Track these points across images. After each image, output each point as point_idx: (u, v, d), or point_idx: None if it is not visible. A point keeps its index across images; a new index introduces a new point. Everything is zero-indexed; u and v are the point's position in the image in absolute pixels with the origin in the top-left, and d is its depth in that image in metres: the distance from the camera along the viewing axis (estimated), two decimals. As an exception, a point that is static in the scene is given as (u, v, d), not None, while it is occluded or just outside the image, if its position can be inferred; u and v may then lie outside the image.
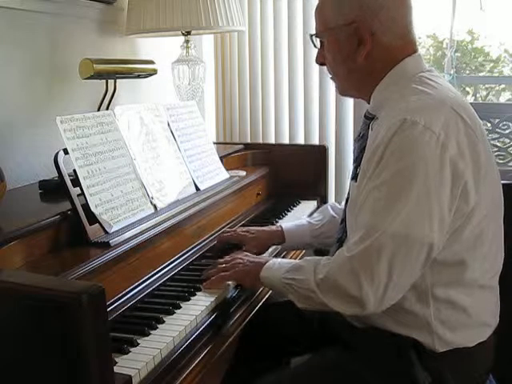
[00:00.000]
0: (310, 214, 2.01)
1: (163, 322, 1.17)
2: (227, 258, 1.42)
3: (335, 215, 1.61)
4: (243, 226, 1.82)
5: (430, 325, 1.15)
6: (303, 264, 1.22)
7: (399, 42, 1.21)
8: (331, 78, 1.33)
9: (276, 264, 1.29)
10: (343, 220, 1.35)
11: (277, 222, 1.89)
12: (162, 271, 1.39)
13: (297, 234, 1.62)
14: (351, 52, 1.22)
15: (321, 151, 2.25)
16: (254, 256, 1.40)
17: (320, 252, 1.75)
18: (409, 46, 1.23)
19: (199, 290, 1.33)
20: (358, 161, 1.26)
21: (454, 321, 1.16)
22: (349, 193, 1.33)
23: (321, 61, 1.31)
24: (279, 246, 1.62)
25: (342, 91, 1.35)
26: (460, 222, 1.11)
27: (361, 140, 1.28)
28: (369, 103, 1.29)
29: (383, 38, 1.20)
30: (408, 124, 1.08)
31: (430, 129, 1.07)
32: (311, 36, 1.31)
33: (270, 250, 1.59)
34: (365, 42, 1.20)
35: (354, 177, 1.27)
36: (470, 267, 1.14)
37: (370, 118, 1.27)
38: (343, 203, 1.58)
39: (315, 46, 1.32)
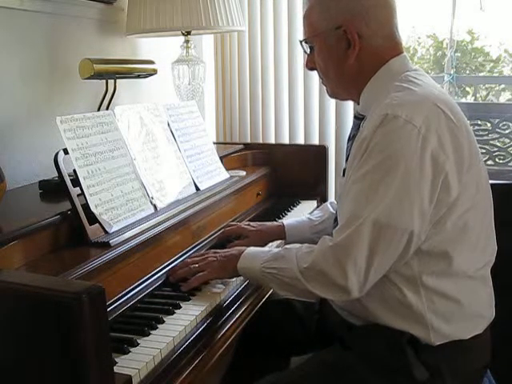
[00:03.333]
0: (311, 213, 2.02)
1: (163, 321, 1.17)
2: (195, 258, 1.40)
3: (334, 212, 1.62)
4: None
5: (425, 316, 1.16)
6: (284, 253, 1.24)
7: (385, 43, 1.25)
8: (322, 81, 1.37)
9: (252, 254, 1.30)
10: (336, 219, 1.36)
11: (277, 221, 1.88)
12: (163, 271, 1.39)
13: (297, 230, 1.64)
14: (341, 55, 1.26)
15: (321, 151, 2.25)
16: (225, 250, 1.39)
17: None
18: (395, 47, 1.26)
19: (199, 290, 1.33)
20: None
21: (448, 312, 1.17)
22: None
23: (310, 66, 1.36)
24: (283, 242, 1.64)
25: (333, 94, 1.39)
26: (442, 213, 1.13)
27: (352, 140, 1.31)
28: (358, 104, 1.32)
29: (370, 39, 1.24)
30: (390, 118, 1.11)
31: (411, 122, 1.10)
32: (301, 42, 1.35)
33: (276, 243, 1.63)
34: (354, 44, 1.23)
35: (344, 174, 1.30)
36: (456, 258, 1.16)
37: (360, 119, 1.30)
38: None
39: (305, 51, 1.35)
